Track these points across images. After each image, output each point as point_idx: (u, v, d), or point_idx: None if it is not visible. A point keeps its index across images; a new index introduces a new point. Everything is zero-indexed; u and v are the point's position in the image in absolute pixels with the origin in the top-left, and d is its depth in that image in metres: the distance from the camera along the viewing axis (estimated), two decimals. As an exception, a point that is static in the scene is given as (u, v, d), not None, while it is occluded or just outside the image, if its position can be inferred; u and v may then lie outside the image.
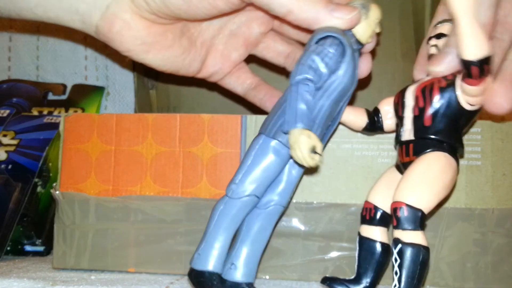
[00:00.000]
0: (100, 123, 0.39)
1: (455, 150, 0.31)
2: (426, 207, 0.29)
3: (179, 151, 0.38)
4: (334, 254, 0.37)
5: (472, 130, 0.36)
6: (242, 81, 0.42)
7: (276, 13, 0.32)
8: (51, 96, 0.60)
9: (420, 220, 0.28)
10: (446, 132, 0.30)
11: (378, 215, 0.32)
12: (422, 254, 0.28)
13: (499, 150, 0.36)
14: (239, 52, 0.40)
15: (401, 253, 0.28)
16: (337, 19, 0.31)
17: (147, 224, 0.38)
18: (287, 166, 0.32)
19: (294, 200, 0.37)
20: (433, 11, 0.60)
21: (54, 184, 0.40)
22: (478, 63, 0.27)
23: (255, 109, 0.65)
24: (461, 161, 0.36)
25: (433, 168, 0.29)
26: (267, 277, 0.37)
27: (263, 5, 0.32)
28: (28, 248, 0.47)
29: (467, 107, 0.30)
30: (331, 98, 0.31)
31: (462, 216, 0.36)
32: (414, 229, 0.28)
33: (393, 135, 0.37)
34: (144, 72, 0.65)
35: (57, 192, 0.39)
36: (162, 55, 0.37)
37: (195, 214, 0.37)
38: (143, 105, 0.66)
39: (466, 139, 0.36)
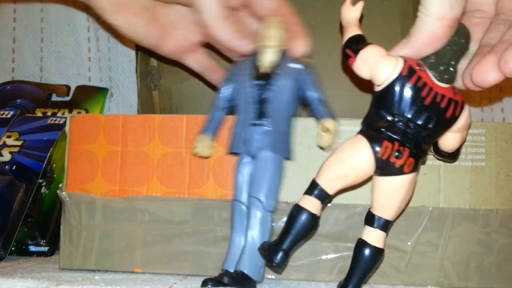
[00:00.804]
0: (107, 124, 0.39)
1: (365, 130, 0.32)
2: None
3: (185, 151, 0.38)
4: (340, 254, 0.37)
5: (476, 131, 0.37)
6: (198, 62, 0.46)
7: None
8: (54, 97, 0.60)
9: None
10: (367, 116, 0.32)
11: None
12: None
13: (503, 151, 0.37)
14: (196, 39, 0.44)
15: None
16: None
17: (154, 225, 0.38)
18: None
19: (299, 199, 0.37)
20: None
21: (60, 185, 0.40)
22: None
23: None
24: (466, 162, 0.36)
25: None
26: (273, 277, 0.37)
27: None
28: (32, 248, 0.47)
29: (375, 88, 0.32)
30: None
31: (467, 217, 0.36)
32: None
33: (398, 136, 0.37)
34: (146, 72, 0.65)
35: (63, 193, 0.39)
36: (128, 20, 0.41)
37: (202, 214, 0.38)
38: (146, 106, 0.66)
39: (470, 140, 0.37)
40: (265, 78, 0.35)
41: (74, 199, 0.39)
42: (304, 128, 0.37)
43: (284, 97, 0.35)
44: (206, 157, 0.37)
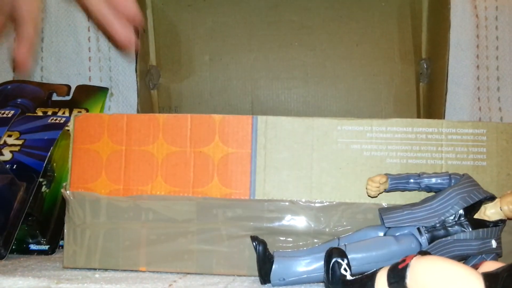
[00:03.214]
0: (111, 123, 0.39)
1: None
2: None
3: (190, 151, 0.38)
4: (343, 252, 0.37)
5: (478, 131, 0.37)
6: None
7: None
8: (55, 97, 0.60)
9: None
10: None
11: None
12: None
13: (504, 151, 0.37)
14: None
15: None
16: None
17: (158, 223, 0.38)
18: None
19: (303, 199, 0.37)
20: (430, 14, 0.62)
21: (64, 184, 0.40)
22: None
23: (257, 110, 0.65)
24: (467, 162, 0.37)
25: None
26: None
27: None
28: (33, 247, 0.47)
29: None
30: None
31: (468, 215, 0.37)
32: None
33: (401, 135, 0.38)
34: (145, 71, 0.65)
35: (67, 191, 0.39)
36: None
37: (206, 213, 0.38)
38: (145, 105, 0.66)
39: (471, 140, 0.37)
40: None
41: (78, 198, 0.39)
42: (308, 128, 0.38)
43: None
44: (371, 196, 0.36)
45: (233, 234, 0.38)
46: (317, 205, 0.37)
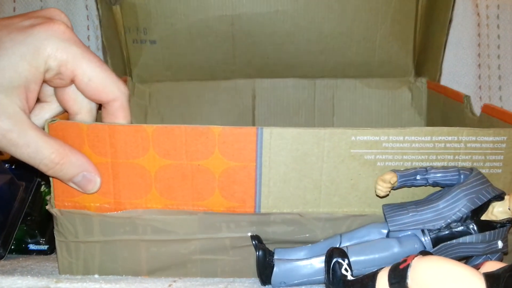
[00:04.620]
0: (90, 133, 0.34)
1: None
2: None
3: (187, 163, 0.34)
4: (351, 261, 0.37)
5: (498, 139, 0.35)
6: None
7: None
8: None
9: None
10: None
11: None
12: None
13: (519, 156, 0.35)
14: None
15: None
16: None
17: (157, 237, 0.36)
18: None
19: (310, 210, 0.36)
20: None
21: (48, 198, 0.36)
22: None
23: (238, 34, 0.58)
24: (483, 170, 0.35)
25: None
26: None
27: None
28: (32, 247, 0.45)
29: None
30: None
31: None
32: None
33: (418, 145, 0.35)
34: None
35: (54, 209, 0.35)
36: None
37: (209, 226, 0.36)
38: (108, 25, 0.58)
39: (491, 148, 0.35)
40: None
41: (67, 216, 0.35)
42: (319, 139, 0.34)
43: None
44: (380, 196, 0.35)
45: (238, 244, 0.36)
46: (326, 216, 0.36)
